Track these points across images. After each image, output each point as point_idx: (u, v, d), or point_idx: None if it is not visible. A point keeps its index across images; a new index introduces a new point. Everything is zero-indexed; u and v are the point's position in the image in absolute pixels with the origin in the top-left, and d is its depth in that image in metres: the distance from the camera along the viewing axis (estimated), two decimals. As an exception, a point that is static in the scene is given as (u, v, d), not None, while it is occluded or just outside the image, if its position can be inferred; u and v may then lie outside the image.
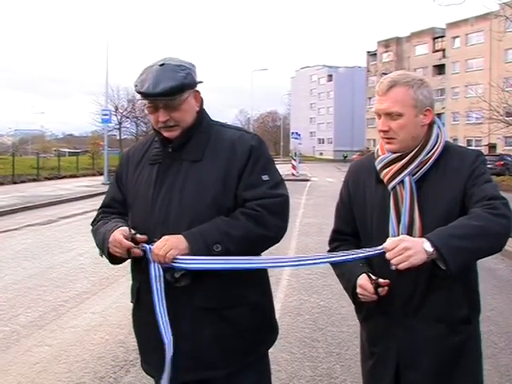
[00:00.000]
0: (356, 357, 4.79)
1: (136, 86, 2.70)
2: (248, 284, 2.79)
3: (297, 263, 2.87)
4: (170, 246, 2.57)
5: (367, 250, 2.57)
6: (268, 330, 2.98)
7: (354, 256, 2.61)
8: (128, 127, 70.10)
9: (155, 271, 2.63)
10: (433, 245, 2.35)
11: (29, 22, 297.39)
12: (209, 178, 2.69)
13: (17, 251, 12.22)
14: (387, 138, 2.67)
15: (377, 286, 2.59)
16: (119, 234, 2.67)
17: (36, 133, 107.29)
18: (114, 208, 2.99)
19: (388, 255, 2.39)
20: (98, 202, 12.64)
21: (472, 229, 2.38)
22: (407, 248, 2.35)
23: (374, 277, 2.61)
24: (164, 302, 2.65)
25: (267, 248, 2.78)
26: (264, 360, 2.98)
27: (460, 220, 2.46)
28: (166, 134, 2.76)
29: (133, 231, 2.68)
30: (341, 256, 2.65)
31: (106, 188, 28.77)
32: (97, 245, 2.88)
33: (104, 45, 40.20)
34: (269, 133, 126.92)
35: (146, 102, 2.73)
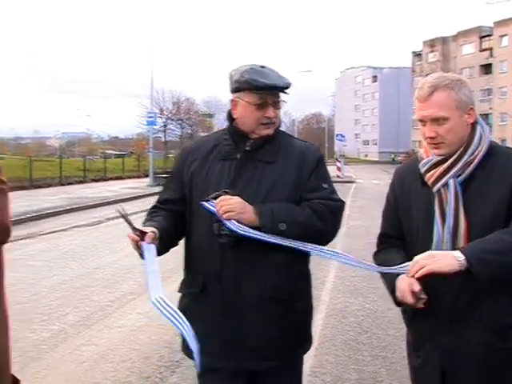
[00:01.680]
0: (402, 360, 4.74)
1: (254, 80, 2.81)
2: (305, 286, 2.99)
3: (343, 259, 2.86)
4: (237, 205, 2.71)
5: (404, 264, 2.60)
6: (308, 335, 3.10)
7: (391, 269, 2.66)
8: (173, 129, 70.71)
9: None
10: (463, 253, 2.37)
11: (72, 26, 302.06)
12: (282, 179, 2.86)
13: (64, 252, 12.44)
14: (435, 144, 2.64)
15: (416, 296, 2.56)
16: (130, 233, 2.78)
17: (82, 135, 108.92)
18: (166, 206, 3.09)
19: (413, 266, 2.46)
20: (143, 203, 12.85)
21: (504, 245, 2.39)
22: (434, 255, 2.41)
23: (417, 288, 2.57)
24: None
25: (319, 243, 2.84)
26: (301, 362, 3.10)
27: (495, 234, 2.44)
28: (264, 131, 2.90)
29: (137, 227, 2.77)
30: (378, 267, 2.77)
31: (151, 190, 29.32)
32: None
33: (149, 48, 40.62)
34: (313, 134, 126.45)
35: (251, 98, 2.85)
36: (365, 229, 15.16)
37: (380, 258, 2.88)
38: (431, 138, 2.62)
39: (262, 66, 2.88)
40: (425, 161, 2.71)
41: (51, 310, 7.80)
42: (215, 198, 2.75)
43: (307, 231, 2.79)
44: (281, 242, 2.72)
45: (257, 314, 2.82)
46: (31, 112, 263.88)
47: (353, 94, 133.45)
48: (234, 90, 2.91)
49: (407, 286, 2.53)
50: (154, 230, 2.79)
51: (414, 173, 2.80)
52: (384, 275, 2.82)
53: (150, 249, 2.73)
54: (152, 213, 3.10)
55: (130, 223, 2.76)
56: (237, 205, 2.71)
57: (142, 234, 2.74)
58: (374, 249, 3.02)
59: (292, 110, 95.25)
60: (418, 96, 2.62)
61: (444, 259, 2.39)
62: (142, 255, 2.76)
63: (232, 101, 2.94)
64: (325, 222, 2.84)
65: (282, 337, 2.87)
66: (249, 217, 2.72)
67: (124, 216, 2.79)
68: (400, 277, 2.62)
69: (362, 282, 9.29)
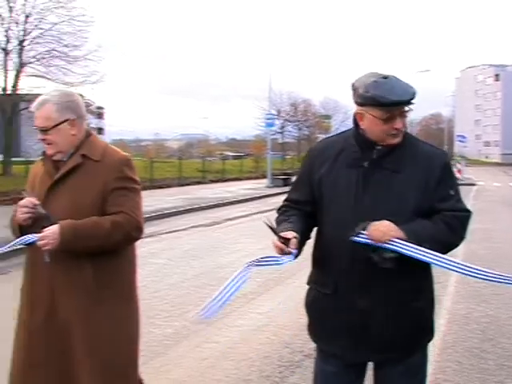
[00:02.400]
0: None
1: (381, 97, 2.77)
2: (427, 284, 3.07)
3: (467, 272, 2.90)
4: (389, 227, 2.75)
5: None
6: (431, 328, 3.17)
7: None
8: (290, 131, 71.08)
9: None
10: None
11: (189, 30, 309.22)
12: (410, 188, 2.86)
13: (185, 251, 12.74)
14: None
15: None
16: (276, 241, 2.84)
17: (200, 137, 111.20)
18: (296, 205, 3.14)
19: None
20: (261, 204, 13.00)
21: None
22: None
23: None
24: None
25: (443, 253, 2.86)
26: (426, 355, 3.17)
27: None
28: (392, 141, 2.89)
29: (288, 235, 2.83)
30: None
31: (269, 191, 29.60)
32: None
33: (267, 50, 40.94)
34: (432, 136, 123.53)
35: (377, 113, 2.82)
36: (486, 232, 14.67)
37: None
38: None
39: (385, 77, 2.83)
40: None
41: (173, 307, 8.01)
42: (363, 229, 2.78)
43: (443, 247, 2.87)
44: (425, 259, 2.77)
45: (383, 313, 2.90)
46: (151, 115, 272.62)
47: (473, 94, 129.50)
48: (359, 104, 2.89)
49: None
50: (295, 234, 2.85)
51: None
52: None
53: (290, 257, 2.82)
54: (284, 212, 3.15)
55: (275, 233, 2.84)
56: (389, 227, 2.76)
57: (286, 241, 2.80)
58: (497, 252, 3.00)
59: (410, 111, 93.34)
60: None
61: None
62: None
63: (357, 113, 2.92)
64: (456, 235, 2.94)
65: (407, 332, 2.96)
66: (400, 235, 2.76)
67: (270, 226, 2.87)
68: None
69: (484, 288, 8.95)
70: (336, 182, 2.95)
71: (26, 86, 33.74)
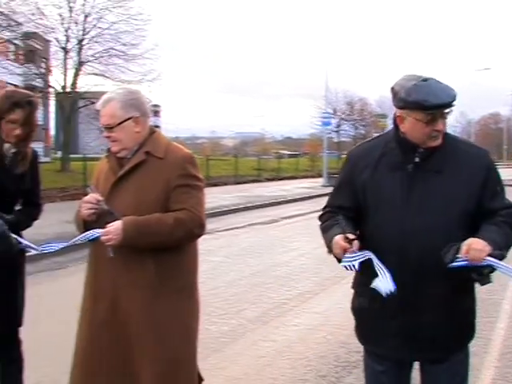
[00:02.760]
0: None
1: (424, 101, 2.78)
2: (473, 285, 3.02)
3: None
4: (482, 244, 2.71)
5: None
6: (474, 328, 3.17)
7: None
8: (346, 130, 70.63)
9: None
10: None
11: (245, 29, 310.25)
12: (455, 189, 2.88)
13: (241, 248, 12.79)
14: None
15: None
16: (339, 239, 2.85)
17: (256, 135, 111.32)
18: (340, 211, 3.10)
19: None
20: (317, 203, 12.82)
21: None
22: None
23: None
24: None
25: None
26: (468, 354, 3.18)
27: None
28: (433, 143, 2.89)
29: (350, 236, 2.83)
30: None
31: (325, 190, 29.44)
32: (326, 245, 3.06)
33: (323, 49, 40.76)
34: (490, 136, 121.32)
35: (419, 116, 2.83)
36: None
37: None
38: None
39: (425, 80, 2.84)
40: None
41: (230, 304, 8.04)
42: (456, 253, 2.77)
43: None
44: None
45: (432, 313, 2.93)
46: (208, 113, 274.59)
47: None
48: (400, 107, 2.89)
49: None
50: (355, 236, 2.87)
51: None
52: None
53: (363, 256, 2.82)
54: (330, 217, 3.13)
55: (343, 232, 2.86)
56: (482, 243, 2.72)
57: (350, 241, 2.81)
58: None
59: (469, 111, 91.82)
60: None
61: None
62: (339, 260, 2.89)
63: (398, 116, 2.93)
64: None
65: (453, 332, 3.00)
66: (489, 249, 2.74)
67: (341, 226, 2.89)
68: None
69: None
70: (380, 186, 2.97)
71: (84, 84, 34.47)
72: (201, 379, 3.64)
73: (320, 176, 38.93)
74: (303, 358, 6.03)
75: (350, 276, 3.18)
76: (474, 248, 2.69)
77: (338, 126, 65.31)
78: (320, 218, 3.23)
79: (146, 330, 3.27)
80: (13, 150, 4.01)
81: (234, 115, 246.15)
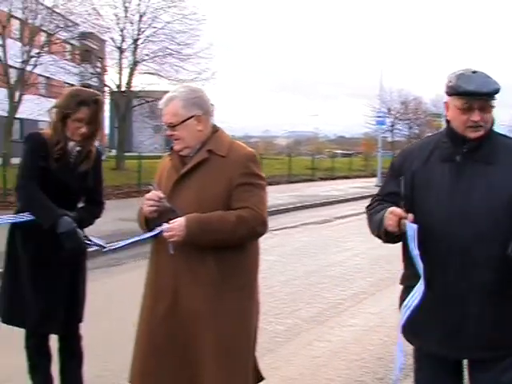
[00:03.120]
0: None
1: (459, 86, 2.91)
2: None
3: None
4: None
5: None
6: None
7: None
8: (400, 129, 69.92)
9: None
10: None
11: (299, 28, 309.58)
12: (503, 179, 2.91)
13: (295, 248, 12.75)
14: None
15: None
16: (394, 208, 2.94)
17: (309, 134, 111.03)
18: (389, 198, 3.17)
19: None
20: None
21: None
22: None
23: None
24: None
25: None
26: None
27: None
28: (472, 134, 2.96)
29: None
30: None
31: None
32: (373, 228, 3.15)
33: (378, 48, 40.42)
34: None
35: (457, 102, 2.95)
36: None
37: None
38: None
39: (474, 72, 2.94)
40: None
41: (284, 304, 8.02)
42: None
43: None
44: None
45: (478, 305, 2.91)
46: (261, 112, 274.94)
47: None
48: (447, 94, 3.02)
49: None
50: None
51: None
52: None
53: (412, 228, 2.85)
54: (379, 204, 3.20)
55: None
56: None
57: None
58: None
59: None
60: None
61: None
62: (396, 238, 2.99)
63: (445, 103, 3.08)
64: None
65: (500, 329, 2.94)
66: None
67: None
68: None
69: None
70: (429, 177, 3.03)
71: (138, 83, 34.92)
72: (261, 378, 3.62)
73: (373, 176, 38.56)
74: (359, 359, 5.98)
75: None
76: None
77: (392, 125, 64.70)
78: (368, 206, 3.29)
79: (208, 328, 3.27)
80: (77, 149, 4.07)
81: (287, 114, 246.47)
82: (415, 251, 2.83)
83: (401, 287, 3.26)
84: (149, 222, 3.40)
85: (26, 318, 4.03)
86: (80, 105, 3.95)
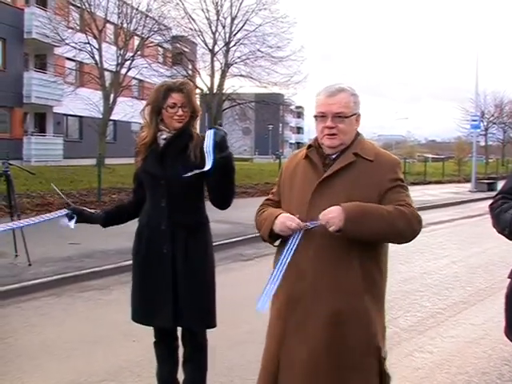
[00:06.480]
0: None
1: None
2: None
3: None
4: None
5: None
6: None
7: None
8: (494, 133, 68.09)
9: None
10: None
11: (390, 32, 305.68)
12: None
13: (390, 255, 12.44)
14: None
15: None
16: None
17: (398, 138, 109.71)
18: None
19: None
20: (465, 209, 12.58)
21: None
22: None
23: None
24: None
25: None
26: None
27: None
28: None
29: None
30: None
31: (473, 196, 28.47)
32: (502, 227, 3.16)
33: (473, 52, 39.44)
34: None
35: None
36: None
37: None
38: None
39: None
40: None
41: (383, 311, 7.84)
42: None
43: None
44: None
45: None
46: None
47: None
48: None
49: None
50: None
51: None
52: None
53: None
54: (505, 203, 3.17)
55: None
56: None
57: None
58: None
59: None
60: None
61: None
62: None
63: None
64: None
65: None
66: None
67: None
68: None
69: None
70: None
71: (229, 85, 35.24)
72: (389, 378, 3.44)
73: (467, 181, 37.59)
74: (463, 372, 5.77)
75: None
76: None
77: (486, 129, 63.03)
78: (491, 205, 3.22)
79: (351, 339, 3.15)
80: (163, 136, 4.10)
81: (374, 117, 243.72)
82: None
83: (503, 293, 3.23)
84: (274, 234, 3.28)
85: (155, 315, 4.09)
86: (168, 92, 3.99)
